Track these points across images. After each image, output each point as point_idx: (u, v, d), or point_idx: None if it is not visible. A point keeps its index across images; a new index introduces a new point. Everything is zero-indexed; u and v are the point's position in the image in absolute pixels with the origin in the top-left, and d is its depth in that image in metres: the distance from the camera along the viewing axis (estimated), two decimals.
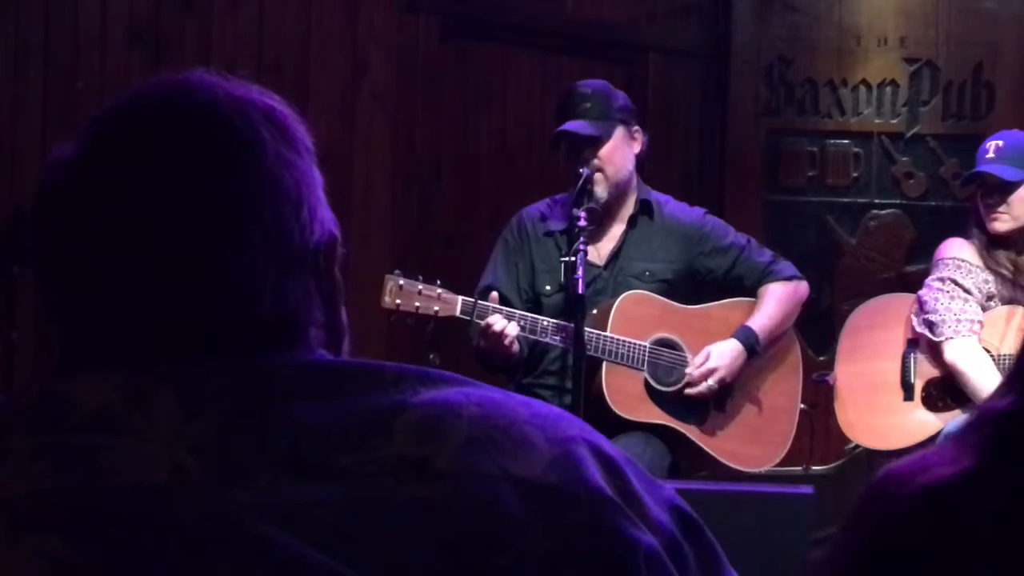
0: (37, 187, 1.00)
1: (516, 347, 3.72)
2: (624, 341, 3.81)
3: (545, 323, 3.74)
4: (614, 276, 3.93)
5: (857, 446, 4.53)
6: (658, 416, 3.87)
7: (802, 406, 4.13)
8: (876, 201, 5.67)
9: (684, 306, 3.96)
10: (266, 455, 0.89)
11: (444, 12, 5.18)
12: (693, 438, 3.92)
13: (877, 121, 5.66)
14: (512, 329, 3.65)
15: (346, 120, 4.96)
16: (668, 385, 3.89)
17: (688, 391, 3.88)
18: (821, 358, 5.13)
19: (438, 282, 3.68)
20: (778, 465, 4.20)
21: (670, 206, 4.04)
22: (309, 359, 0.99)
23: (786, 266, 4.07)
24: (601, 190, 3.84)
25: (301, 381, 0.94)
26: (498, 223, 4.15)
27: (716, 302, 4.03)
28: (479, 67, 5.33)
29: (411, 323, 3.69)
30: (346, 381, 0.95)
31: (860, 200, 5.67)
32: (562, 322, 3.75)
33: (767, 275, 4.02)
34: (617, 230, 3.97)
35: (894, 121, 5.65)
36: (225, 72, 1.03)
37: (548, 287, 3.90)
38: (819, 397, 4.36)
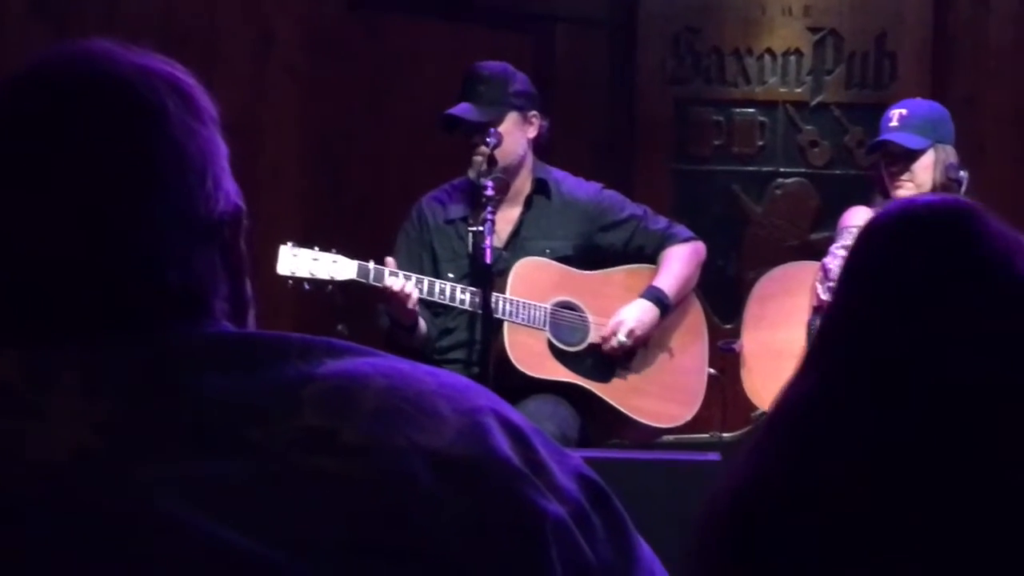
0: None
1: (418, 314, 3.72)
2: (524, 303, 3.84)
3: (443, 285, 3.75)
4: (515, 256, 3.94)
5: (764, 413, 4.59)
6: (564, 374, 3.90)
7: (711, 371, 4.18)
8: (781, 170, 5.73)
9: (583, 271, 4.00)
10: (172, 430, 0.88)
11: None
12: (603, 395, 3.95)
13: (782, 90, 5.72)
14: (411, 288, 3.65)
15: (255, 91, 4.91)
16: (572, 345, 3.92)
17: (603, 347, 3.92)
18: (728, 326, 5.17)
19: (334, 250, 3.66)
20: (686, 432, 4.24)
21: (567, 183, 4.07)
22: (214, 330, 0.98)
23: (681, 229, 4.14)
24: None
25: (207, 353, 0.93)
26: (410, 193, 4.13)
27: (615, 267, 4.07)
28: (388, 38, 5.30)
29: (309, 289, 3.64)
30: (252, 352, 0.94)
31: (765, 169, 5.73)
32: (463, 285, 3.76)
33: (665, 240, 4.08)
34: (514, 212, 3.99)
35: (799, 90, 5.71)
36: (129, 43, 1.02)
37: (451, 274, 3.90)
38: (726, 364, 4.40)
